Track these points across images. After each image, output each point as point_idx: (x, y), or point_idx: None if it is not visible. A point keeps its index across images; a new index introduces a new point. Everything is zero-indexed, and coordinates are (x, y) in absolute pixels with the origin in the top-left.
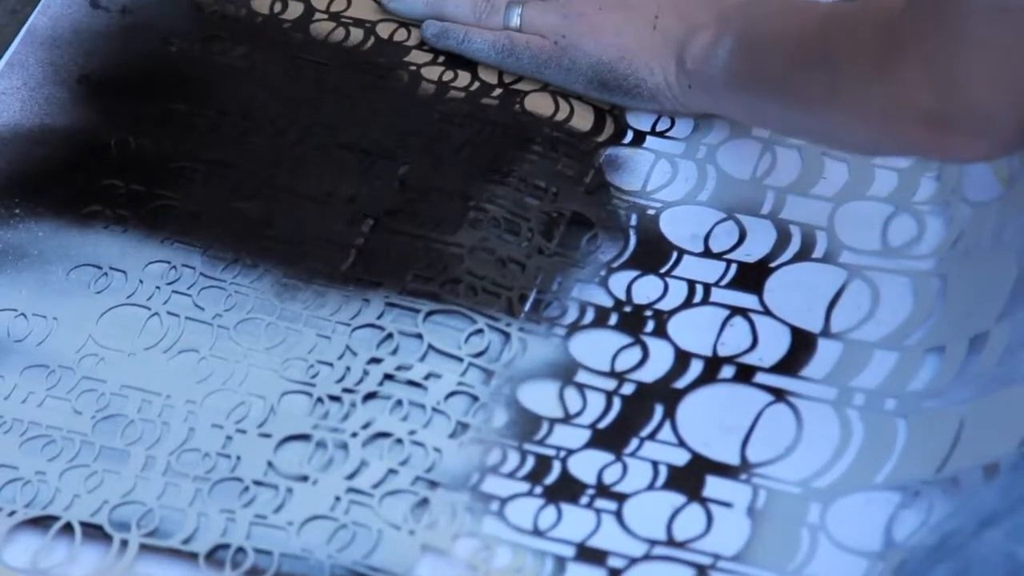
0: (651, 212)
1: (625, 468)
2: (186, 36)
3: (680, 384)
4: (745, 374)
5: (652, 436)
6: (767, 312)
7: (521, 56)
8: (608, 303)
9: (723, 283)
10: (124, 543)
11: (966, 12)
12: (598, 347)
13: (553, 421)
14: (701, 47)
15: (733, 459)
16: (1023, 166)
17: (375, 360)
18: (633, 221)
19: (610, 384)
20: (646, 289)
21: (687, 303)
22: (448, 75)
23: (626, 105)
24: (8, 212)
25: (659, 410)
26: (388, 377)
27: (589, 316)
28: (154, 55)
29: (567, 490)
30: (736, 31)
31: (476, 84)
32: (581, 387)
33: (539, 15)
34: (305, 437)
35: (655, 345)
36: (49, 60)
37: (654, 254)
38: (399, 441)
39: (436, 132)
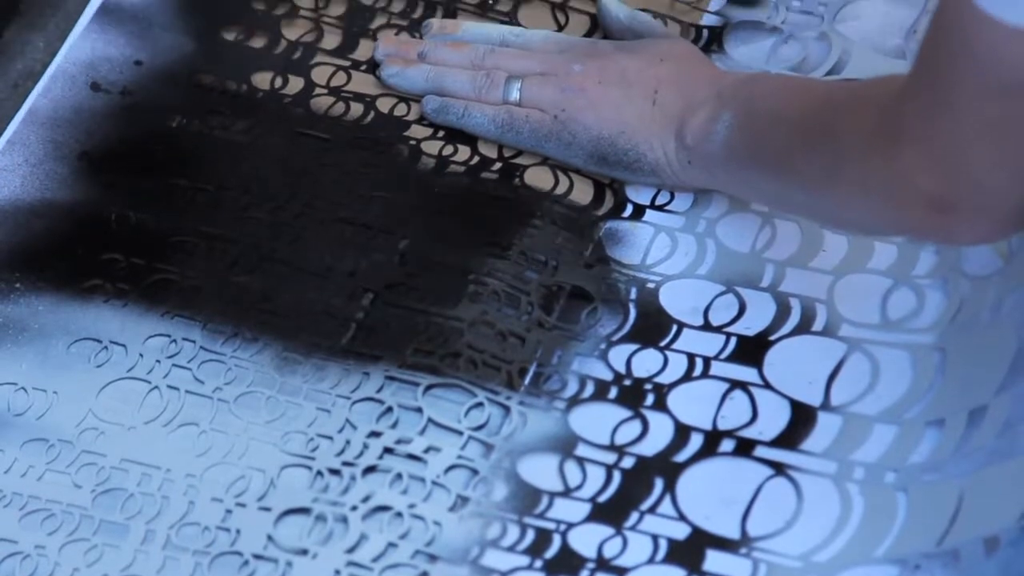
0: (651, 285)
1: (625, 542)
2: (187, 112)
3: (680, 458)
4: (745, 448)
5: (652, 510)
6: (767, 385)
7: (521, 130)
8: (608, 376)
9: (723, 356)
10: None
11: (967, 93)
12: (598, 420)
13: (553, 495)
14: (700, 123)
15: (733, 533)
16: (1022, 241)
17: (375, 434)
18: (633, 295)
19: (610, 458)
20: (646, 362)
21: (687, 376)
22: (448, 149)
23: (626, 180)
24: (9, 286)
25: (659, 484)
26: (388, 451)
27: (589, 390)
28: (155, 131)
29: (567, 564)
30: (735, 108)
31: (476, 158)
32: (581, 460)
33: (538, 89)
34: (305, 511)
35: (655, 419)
36: (50, 138)
37: (654, 327)
38: (399, 515)
39: (436, 206)
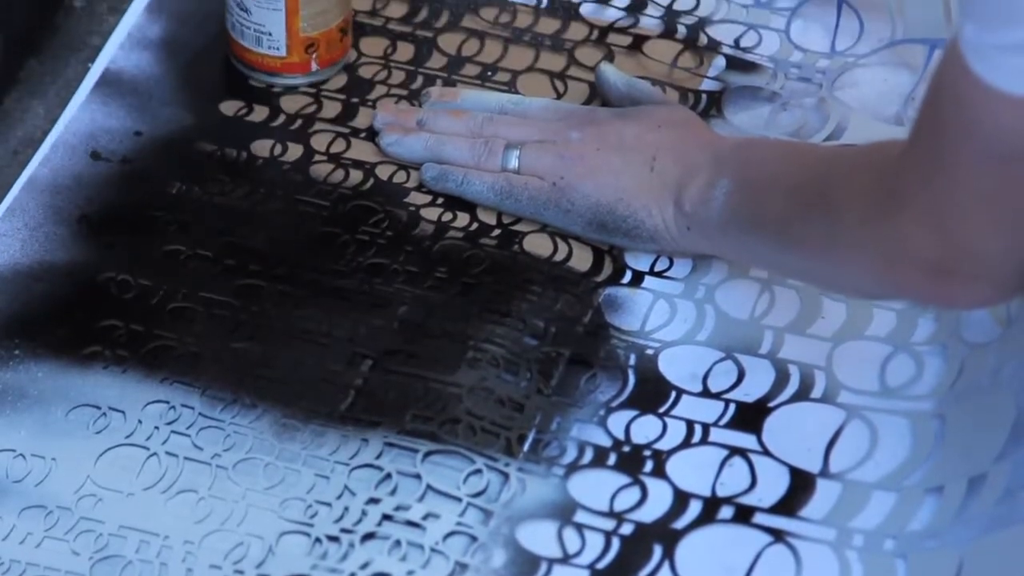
0: (650, 352)
1: None
2: (186, 179)
3: (679, 524)
4: (744, 514)
5: None
6: (766, 452)
7: (520, 198)
8: (607, 443)
9: (722, 423)
10: None
11: (965, 161)
12: (597, 487)
13: (552, 561)
14: (698, 189)
15: None
16: (1020, 308)
17: (374, 500)
18: (632, 361)
19: (609, 524)
20: (645, 429)
21: (686, 443)
22: (447, 216)
23: (625, 246)
24: (8, 353)
25: (658, 551)
26: (387, 517)
27: (588, 456)
28: (154, 197)
29: None
30: (733, 173)
31: (475, 225)
32: (580, 527)
33: (537, 157)
34: None
35: (654, 485)
36: (50, 204)
37: (653, 394)
38: None
39: (435, 273)
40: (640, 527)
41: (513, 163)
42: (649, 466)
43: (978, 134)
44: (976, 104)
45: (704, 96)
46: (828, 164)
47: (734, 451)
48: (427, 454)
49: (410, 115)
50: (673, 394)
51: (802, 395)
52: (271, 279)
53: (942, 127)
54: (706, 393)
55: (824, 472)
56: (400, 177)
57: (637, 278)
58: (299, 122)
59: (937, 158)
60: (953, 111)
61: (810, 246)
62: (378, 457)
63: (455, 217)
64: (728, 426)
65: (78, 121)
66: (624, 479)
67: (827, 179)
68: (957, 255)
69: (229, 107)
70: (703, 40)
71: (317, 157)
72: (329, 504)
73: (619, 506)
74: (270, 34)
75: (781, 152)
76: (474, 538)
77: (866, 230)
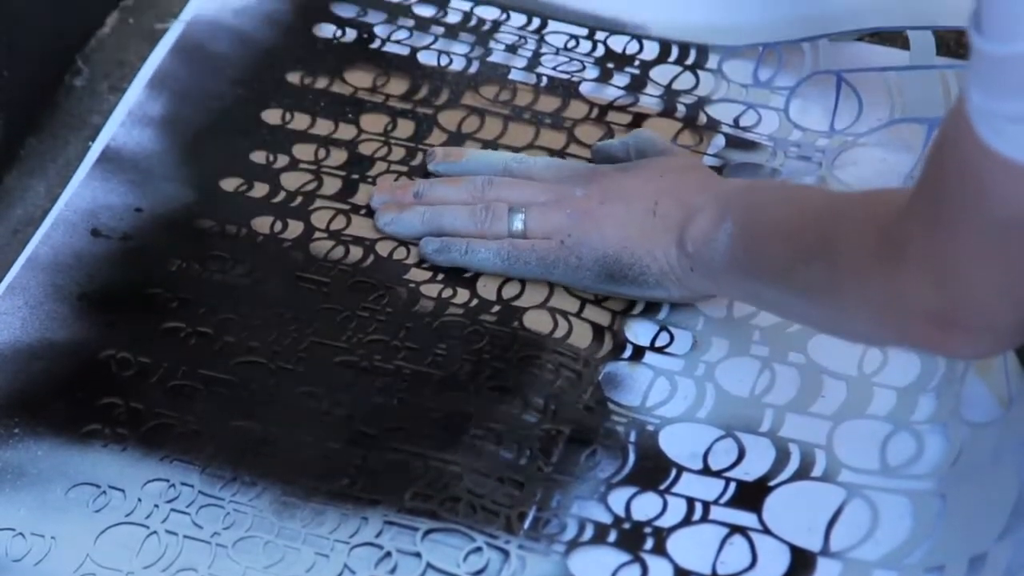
0: (650, 428)
1: None
2: (186, 256)
3: None
4: None
5: None
6: (766, 531)
7: (529, 260)
8: (607, 520)
9: (722, 501)
10: None
11: (969, 223)
12: (597, 564)
13: None
14: (701, 230)
15: None
16: (1021, 388)
17: None
18: (632, 437)
19: None
20: (645, 506)
21: (686, 521)
22: (447, 292)
23: (633, 295)
24: (7, 431)
25: None
26: None
27: (588, 533)
28: (154, 274)
29: None
30: (736, 216)
31: (475, 301)
32: None
33: (543, 218)
34: None
35: (654, 563)
36: (50, 281)
37: (653, 471)
38: None
39: (434, 349)
40: None
41: (519, 226)
42: (650, 543)
43: (983, 199)
44: (982, 169)
45: None
46: (831, 211)
47: (735, 529)
48: (427, 532)
49: (406, 190)
50: (673, 471)
51: (803, 474)
52: (271, 356)
53: (946, 188)
54: (706, 471)
55: (825, 551)
56: (400, 253)
57: (638, 354)
58: (299, 199)
59: (940, 217)
60: (957, 174)
61: (812, 291)
62: (378, 535)
63: (455, 293)
64: (729, 504)
65: (79, 198)
66: (625, 556)
67: (830, 226)
68: (958, 307)
69: (230, 184)
70: (702, 119)
71: (317, 234)
72: None
73: None
74: None
75: (784, 196)
76: None
77: (868, 278)
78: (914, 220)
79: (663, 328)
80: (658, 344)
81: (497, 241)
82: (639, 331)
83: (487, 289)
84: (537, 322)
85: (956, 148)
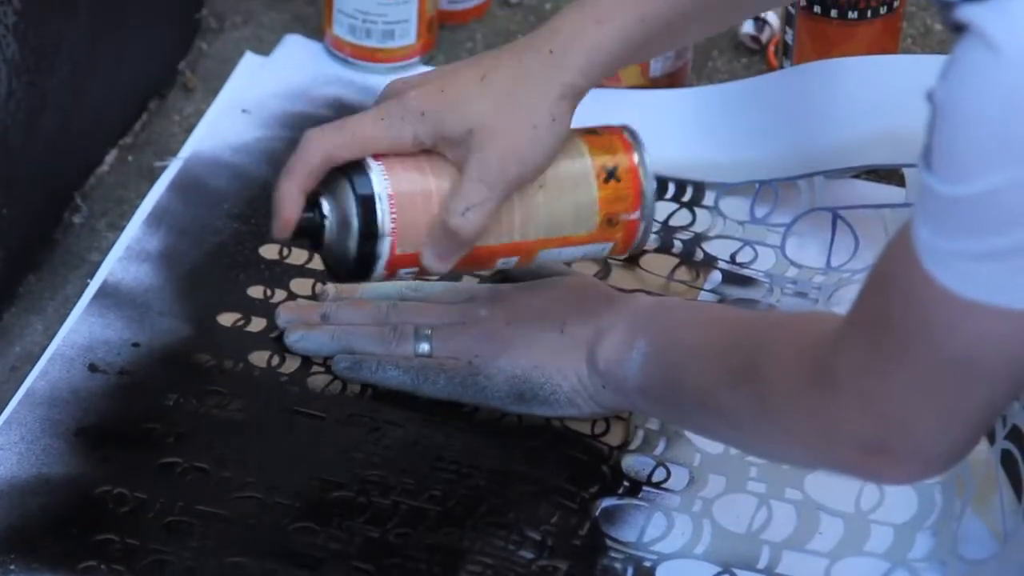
0: (647, 564)
1: None
2: (183, 391)
3: None
4: None
5: None
6: None
7: (437, 380)
8: None
9: None
10: None
11: (910, 357)
12: None
13: None
14: (612, 347)
15: None
16: (1016, 523)
17: None
18: (629, 573)
19: None
20: None
21: None
22: (445, 429)
23: (545, 415)
24: (3, 568)
25: None
26: None
27: None
28: (151, 409)
29: None
30: (650, 336)
31: (473, 437)
32: None
33: (449, 339)
34: None
35: None
36: (47, 416)
37: None
38: None
39: (432, 484)
40: None
41: (425, 348)
42: None
43: (927, 333)
44: (927, 303)
45: None
46: (756, 333)
47: None
48: None
49: (313, 310)
50: None
51: None
52: (268, 491)
53: (887, 319)
54: None
55: None
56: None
57: (634, 489)
58: None
59: (879, 348)
60: (901, 306)
61: (737, 415)
62: None
63: (452, 431)
64: None
65: (76, 333)
66: None
67: (755, 349)
68: (892, 438)
69: (227, 318)
70: (699, 255)
71: (315, 368)
72: None
73: None
74: None
75: (703, 317)
76: None
77: (797, 404)
78: (850, 349)
79: (660, 464)
80: (655, 479)
81: (407, 360)
82: (636, 466)
83: (485, 428)
84: (534, 458)
85: (901, 280)
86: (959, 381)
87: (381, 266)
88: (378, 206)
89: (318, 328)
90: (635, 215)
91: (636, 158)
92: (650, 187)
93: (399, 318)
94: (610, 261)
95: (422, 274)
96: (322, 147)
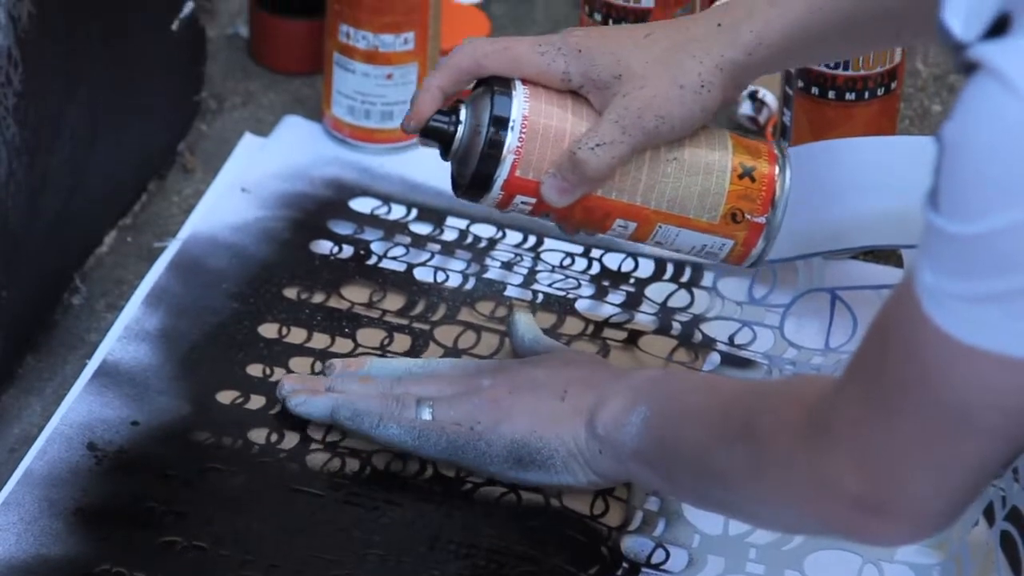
0: None
1: None
2: (182, 468)
3: None
4: None
5: None
6: None
7: (438, 443)
8: None
9: None
10: None
11: (909, 408)
12: None
13: None
14: (612, 413)
15: None
16: None
17: None
18: None
19: None
20: None
21: None
22: (444, 508)
23: (542, 482)
24: None
25: None
26: None
27: None
28: (150, 487)
29: None
30: (651, 402)
31: (472, 517)
32: None
33: (451, 408)
34: None
35: None
36: (46, 496)
37: None
38: None
39: (432, 563)
40: None
41: (427, 416)
42: None
43: (927, 382)
44: (927, 350)
45: None
46: (752, 397)
47: None
48: None
49: (317, 382)
50: None
51: None
52: (267, 570)
53: (887, 369)
54: None
55: None
56: (396, 466)
57: (633, 570)
58: None
59: (877, 399)
60: (901, 354)
61: (732, 477)
62: None
63: (452, 510)
64: None
65: (75, 412)
66: None
67: (751, 411)
68: (886, 494)
69: (226, 396)
70: (698, 337)
71: (314, 445)
72: None
73: None
74: None
75: (702, 384)
76: None
77: (792, 459)
78: (846, 403)
79: (659, 545)
80: (654, 561)
81: (409, 420)
82: (635, 548)
83: (484, 507)
84: (533, 539)
85: (900, 325)
86: (954, 434)
87: (499, 184)
88: (511, 122)
89: (322, 394)
90: (761, 219)
91: (777, 168)
92: (783, 198)
93: (402, 389)
94: (609, 342)
95: (538, 208)
96: (475, 53)
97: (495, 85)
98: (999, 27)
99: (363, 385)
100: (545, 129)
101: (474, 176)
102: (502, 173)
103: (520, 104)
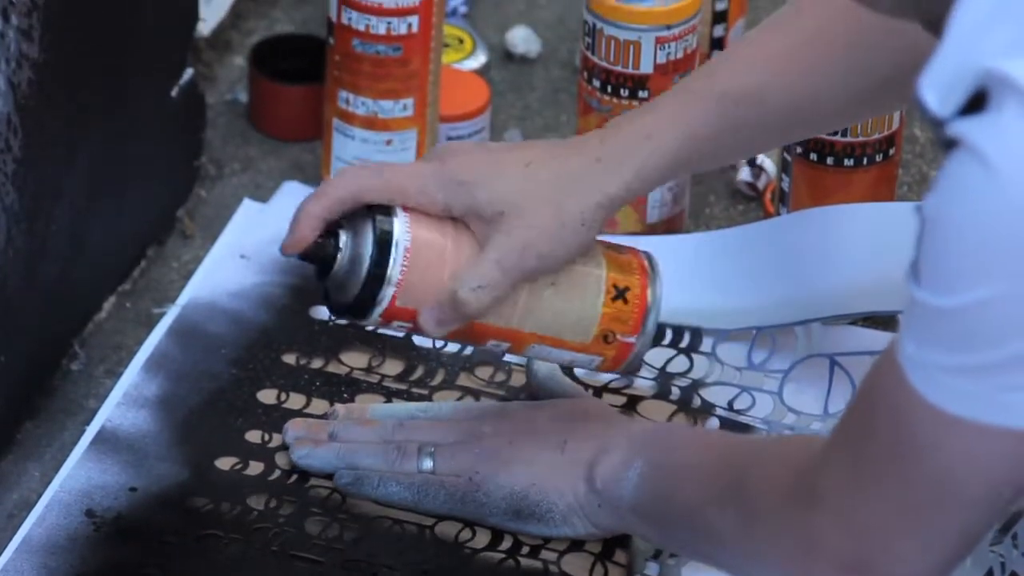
0: None
1: None
2: (181, 534)
3: None
4: None
5: None
6: None
7: (437, 496)
8: None
9: None
10: None
11: (895, 475)
12: None
13: None
14: (611, 467)
15: None
16: None
17: None
18: None
19: None
20: None
21: None
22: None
23: (541, 534)
24: None
25: None
26: None
27: None
28: (149, 553)
29: None
30: (648, 456)
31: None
32: None
33: (452, 457)
34: None
35: None
36: (44, 564)
37: None
38: None
39: None
40: None
41: (428, 465)
42: None
43: (912, 451)
44: (911, 419)
45: None
46: (745, 455)
47: None
48: None
49: (321, 428)
50: None
51: None
52: None
53: (873, 436)
54: None
55: None
56: (396, 531)
57: None
58: (295, 477)
59: (863, 465)
60: (888, 423)
61: (723, 535)
62: None
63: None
64: None
65: (73, 479)
66: None
67: (744, 470)
68: (869, 556)
69: (225, 463)
70: (697, 402)
71: (313, 510)
72: None
73: None
74: None
75: (698, 440)
76: None
77: (781, 521)
78: (833, 468)
79: None
80: None
81: (409, 476)
82: None
83: (484, 572)
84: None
85: (886, 395)
86: (939, 501)
87: (378, 312)
88: (393, 252)
89: (324, 445)
90: (631, 339)
91: (648, 286)
92: (653, 318)
93: (404, 435)
94: (611, 405)
95: (414, 331)
96: (354, 183)
97: (376, 213)
98: (976, 103)
99: (365, 430)
100: (427, 261)
101: (354, 302)
102: (383, 302)
103: (403, 235)
